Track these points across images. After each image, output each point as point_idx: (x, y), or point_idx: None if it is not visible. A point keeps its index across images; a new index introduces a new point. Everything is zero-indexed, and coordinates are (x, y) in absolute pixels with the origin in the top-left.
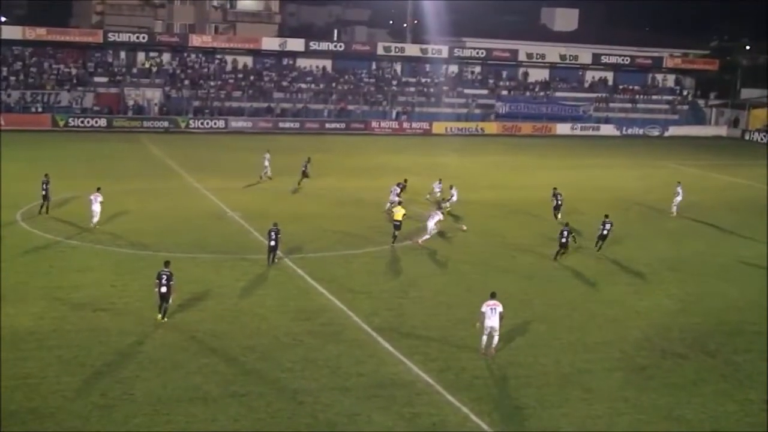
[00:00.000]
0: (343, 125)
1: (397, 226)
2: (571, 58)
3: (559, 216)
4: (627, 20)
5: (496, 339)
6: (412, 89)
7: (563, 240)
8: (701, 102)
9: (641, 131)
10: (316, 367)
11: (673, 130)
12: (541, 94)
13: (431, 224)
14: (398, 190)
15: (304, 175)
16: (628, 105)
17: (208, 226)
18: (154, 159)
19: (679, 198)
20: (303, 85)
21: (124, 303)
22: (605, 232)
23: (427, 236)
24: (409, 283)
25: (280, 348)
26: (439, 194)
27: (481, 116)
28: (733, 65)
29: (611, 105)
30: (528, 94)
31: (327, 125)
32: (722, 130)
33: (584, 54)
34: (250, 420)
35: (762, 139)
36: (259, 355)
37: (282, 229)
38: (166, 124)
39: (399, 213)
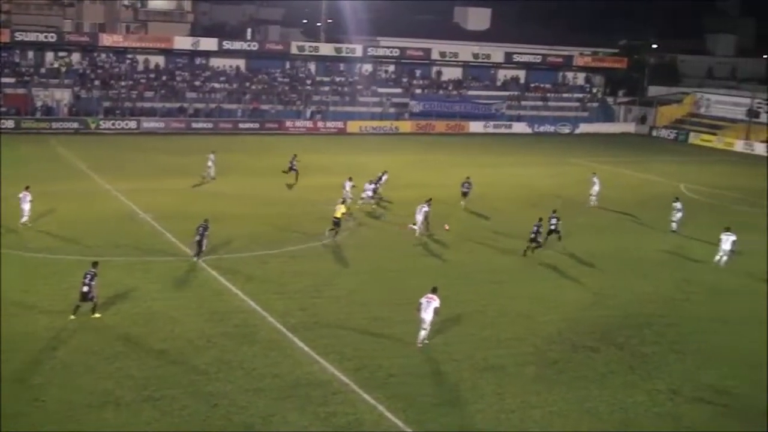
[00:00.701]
0: (257, 125)
1: (337, 222)
2: (484, 56)
3: (463, 203)
4: (538, 19)
5: (424, 332)
6: (327, 88)
7: (533, 235)
8: (610, 99)
9: (553, 129)
10: (231, 368)
11: (583, 128)
12: (455, 92)
13: (419, 218)
14: (350, 185)
15: (291, 170)
16: (540, 103)
17: (120, 229)
18: (64, 161)
19: (596, 188)
20: (216, 85)
21: (34, 308)
22: (553, 227)
23: (416, 228)
24: (324, 282)
25: (193, 350)
26: (350, 193)
27: (396, 115)
28: (641, 64)
29: (523, 103)
30: (441, 92)
31: (241, 125)
32: (630, 127)
33: (496, 53)
34: (164, 424)
35: (669, 136)
36: (172, 358)
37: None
38: (76, 125)
39: (339, 211)
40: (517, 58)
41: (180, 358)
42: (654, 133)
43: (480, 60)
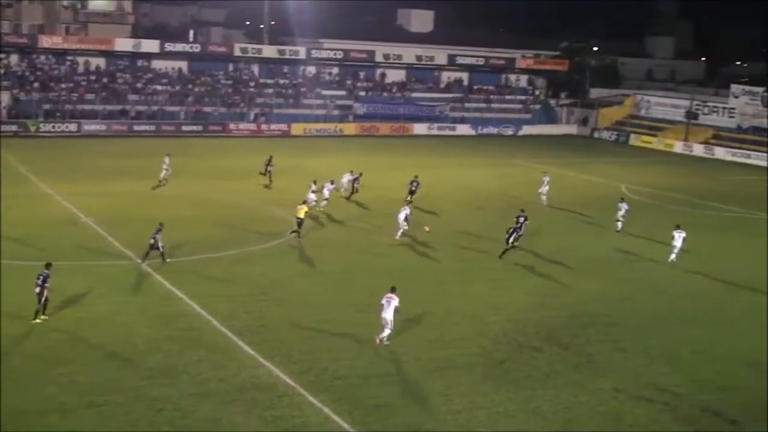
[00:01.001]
0: (200, 127)
1: (299, 223)
2: (427, 59)
3: (410, 197)
4: (481, 22)
5: (386, 331)
6: (270, 91)
7: (510, 236)
8: (552, 101)
9: (496, 130)
10: (176, 373)
11: (526, 129)
12: (398, 94)
13: (401, 218)
14: (314, 188)
15: (267, 171)
16: (483, 105)
17: (62, 233)
18: (3, 164)
19: (546, 188)
20: (158, 87)
21: None
22: (519, 226)
23: (400, 230)
24: (270, 285)
25: (138, 355)
26: (314, 196)
27: (340, 117)
28: (582, 66)
29: (467, 105)
30: (385, 94)
31: (184, 127)
32: (573, 129)
33: (440, 55)
34: (108, 430)
35: (610, 137)
36: (117, 363)
37: (141, 233)
38: (15, 128)
39: (301, 211)
40: (460, 60)
41: (125, 363)
42: (596, 135)
43: (424, 62)
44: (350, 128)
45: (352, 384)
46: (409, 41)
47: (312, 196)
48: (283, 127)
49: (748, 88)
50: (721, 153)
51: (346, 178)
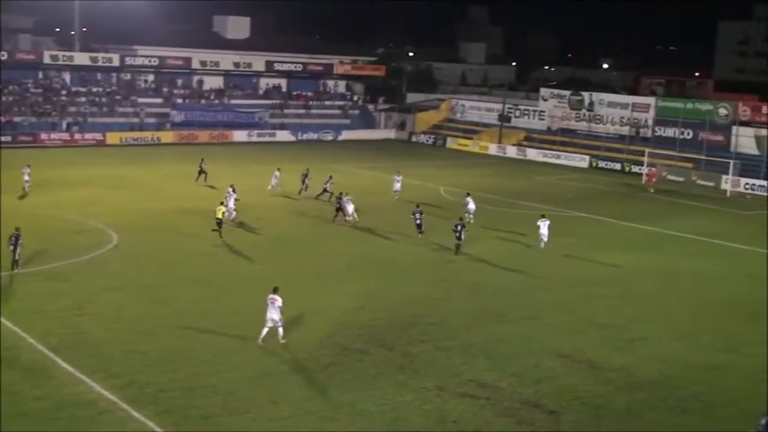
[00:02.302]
0: (9, 138)
1: (219, 222)
2: (245, 65)
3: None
4: (298, 28)
5: (280, 331)
6: (83, 99)
7: (457, 234)
8: (371, 106)
9: (316, 136)
10: None
11: (346, 134)
12: (217, 101)
13: (350, 209)
14: (235, 196)
15: (200, 173)
16: (303, 111)
17: None
18: None
19: (398, 185)
20: None
21: None
22: (418, 221)
23: (350, 218)
24: (87, 299)
25: None
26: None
27: (157, 125)
28: (399, 71)
29: (286, 111)
30: (203, 102)
31: None
32: (391, 133)
33: (258, 61)
34: None
35: (428, 141)
36: None
37: None
38: None
39: (219, 211)
40: (278, 66)
41: None
42: (414, 139)
43: (241, 69)
44: (168, 136)
45: (176, 396)
46: (226, 48)
47: (233, 204)
48: (98, 136)
49: (556, 91)
50: (533, 154)
51: (232, 198)
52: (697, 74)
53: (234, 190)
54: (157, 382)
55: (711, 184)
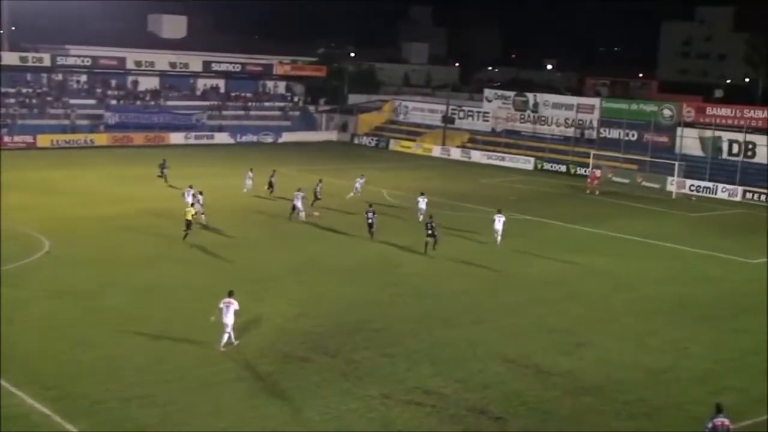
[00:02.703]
0: None
1: (188, 224)
2: (182, 65)
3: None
4: (236, 28)
5: (229, 336)
6: (13, 101)
7: (429, 231)
8: (312, 108)
9: (255, 138)
10: None
11: (286, 137)
12: (152, 103)
13: (299, 204)
14: (201, 198)
15: (162, 174)
16: (242, 112)
17: None
18: None
19: (358, 186)
20: None
21: None
22: (370, 221)
23: (302, 213)
24: (15, 308)
25: None
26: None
27: (90, 127)
28: (340, 72)
29: (224, 113)
30: (138, 103)
31: None
32: (333, 135)
33: (195, 61)
34: None
35: (370, 143)
36: None
37: None
38: None
39: (189, 213)
40: (215, 67)
41: None
42: (356, 141)
43: (178, 69)
44: (102, 139)
45: (112, 408)
46: (162, 48)
47: (198, 206)
48: (28, 138)
49: (500, 92)
50: (477, 156)
51: (189, 194)
52: (641, 75)
53: (201, 193)
54: (93, 393)
55: (656, 185)
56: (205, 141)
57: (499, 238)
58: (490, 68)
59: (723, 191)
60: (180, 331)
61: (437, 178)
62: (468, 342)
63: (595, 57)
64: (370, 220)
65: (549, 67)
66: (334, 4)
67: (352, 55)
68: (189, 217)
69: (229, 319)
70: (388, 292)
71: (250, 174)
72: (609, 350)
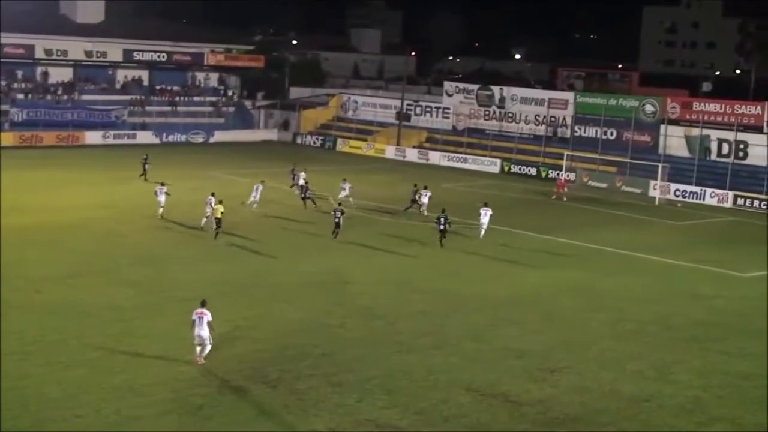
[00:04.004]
0: None
1: (219, 222)
2: (99, 54)
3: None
4: (162, 13)
5: (207, 348)
6: None
7: (441, 227)
8: (248, 103)
9: (184, 138)
10: None
11: (219, 136)
12: (65, 97)
13: (208, 210)
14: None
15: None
16: (168, 108)
17: None
18: None
19: (345, 192)
20: None
21: None
22: (337, 220)
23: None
24: None
25: None
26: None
27: None
28: (280, 62)
29: (148, 109)
30: (49, 97)
31: None
32: (273, 134)
33: (114, 50)
34: None
35: (315, 143)
36: None
37: None
38: None
39: (218, 211)
40: (138, 56)
41: None
42: (299, 140)
43: (95, 59)
44: (7, 138)
45: None
46: (76, 34)
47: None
48: None
49: (462, 85)
50: (436, 158)
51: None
52: (620, 66)
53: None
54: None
55: (638, 190)
56: (125, 141)
57: (483, 231)
58: (450, 58)
59: (712, 196)
60: (94, 360)
61: (391, 183)
62: (427, 369)
63: (569, 45)
64: (337, 219)
65: (517, 56)
66: None
67: (294, 42)
68: (218, 215)
69: (204, 332)
70: (336, 314)
71: (260, 187)
72: (585, 377)
